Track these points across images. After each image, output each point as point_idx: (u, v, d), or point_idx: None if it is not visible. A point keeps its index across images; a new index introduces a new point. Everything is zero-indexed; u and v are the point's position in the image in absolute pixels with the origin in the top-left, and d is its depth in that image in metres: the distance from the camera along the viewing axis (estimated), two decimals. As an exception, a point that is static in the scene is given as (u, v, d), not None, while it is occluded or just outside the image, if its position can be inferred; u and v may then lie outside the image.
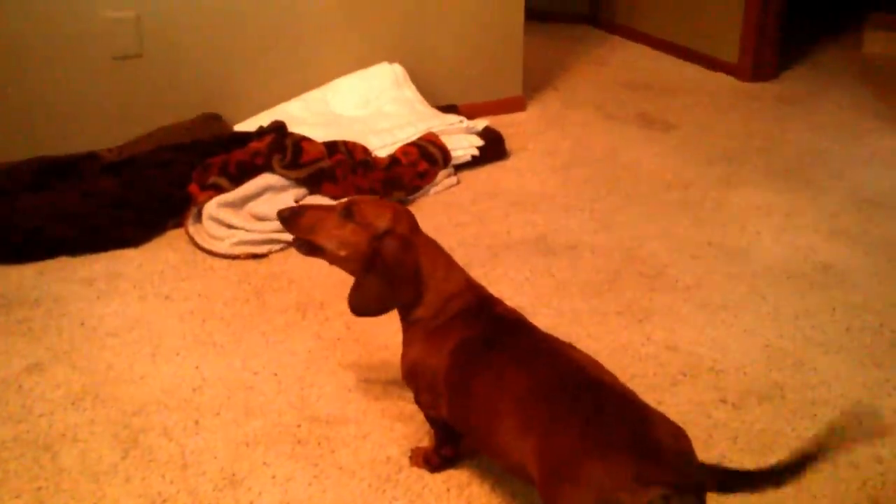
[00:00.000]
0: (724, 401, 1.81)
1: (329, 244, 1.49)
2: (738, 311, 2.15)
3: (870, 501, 1.54)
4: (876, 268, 2.34)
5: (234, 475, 1.63)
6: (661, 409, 1.76)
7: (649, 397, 1.80)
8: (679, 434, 1.21)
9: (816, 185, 2.86)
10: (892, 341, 2.01)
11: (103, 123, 2.96)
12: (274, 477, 1.62)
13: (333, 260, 1.52)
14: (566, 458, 1.18)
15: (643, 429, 1.18)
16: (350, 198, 1.56)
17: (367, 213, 1.47)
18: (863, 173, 2.95)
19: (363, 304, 1.47)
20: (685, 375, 1.90)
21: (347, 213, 1.48)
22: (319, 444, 1.70)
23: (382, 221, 1.47)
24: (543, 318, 2.11)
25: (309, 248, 1.53)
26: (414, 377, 1.52)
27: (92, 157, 2.82)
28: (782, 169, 3.01)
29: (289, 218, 1.52)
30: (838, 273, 2.32)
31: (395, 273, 1.44)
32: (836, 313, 2.13)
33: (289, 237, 2.45)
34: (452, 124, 3.02)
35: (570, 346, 1.40)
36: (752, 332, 2.06)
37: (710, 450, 1.67)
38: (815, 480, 1.59)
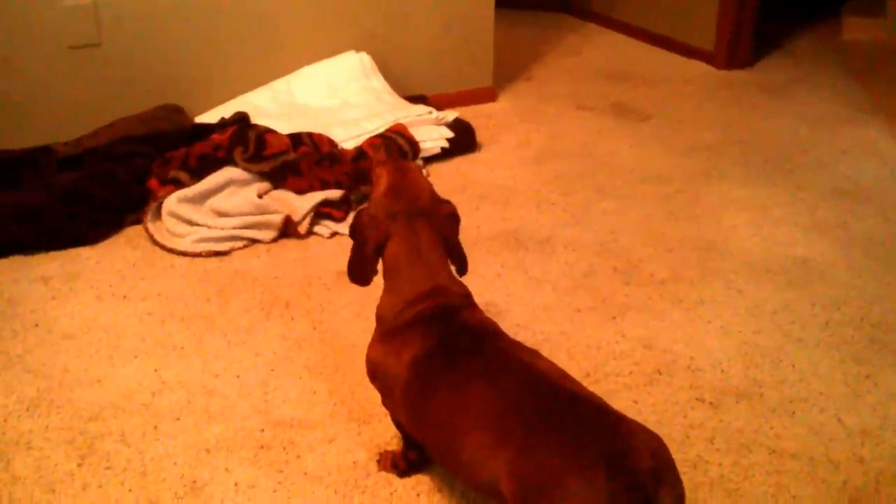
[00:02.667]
0: (700, 399, 1.81)
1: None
2: (715, 307, 2.15)
3: (850, 501, 1.55)
4: (855, 262, 2.36)
5: (195, 482, 1.59)
6: (636, 408, 1.77)
7: (624, 396, 1.81)
8: (658, 447, 1.18)
9: (795, 178, 2.88)
10: (871, 336, 2.03)
11: (59, 115, 2.89)
12: (237, 484, 1.59)
13: None
14: (542, 474, 1.16)
15: (619, 443, 1.15)
16: (394, 158, 1.56)
17: (379, 177, 1.50)
18: (842, 165, 2.97)
19: (348, 266, 1.51)
20: (661, 374, 1.90)
21: (376, 174, 1.52)
22: (284, 449, 1.68)
23: (376, 190, 1.48)
24: (515, 315, 2.09)
25: None
26: (374, 379, 1.50)
27: (47, 150, 2.75)
28: (760, 161, 3.02)
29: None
30: (817, 267, 2.33)
31: (357, 243, 1.47)
32: (815, 308, 2.14)
33: (253, 234, 2.45)
34: (421, 115, 3.00)
35: (537, 355, 1.37)
36: (729, 329, 2.06)
37: (686, 451, 1.67)
38: (794, 479, 1.60)
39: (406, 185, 1.47)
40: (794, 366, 1.92)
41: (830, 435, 1.71)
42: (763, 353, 1.97)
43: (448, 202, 1.51)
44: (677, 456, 1.62)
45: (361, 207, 1.53)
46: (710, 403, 1.80)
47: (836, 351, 1.97)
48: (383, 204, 1.46)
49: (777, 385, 1.86)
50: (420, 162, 2.87)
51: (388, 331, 1.45)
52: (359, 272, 1.48)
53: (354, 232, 1.48)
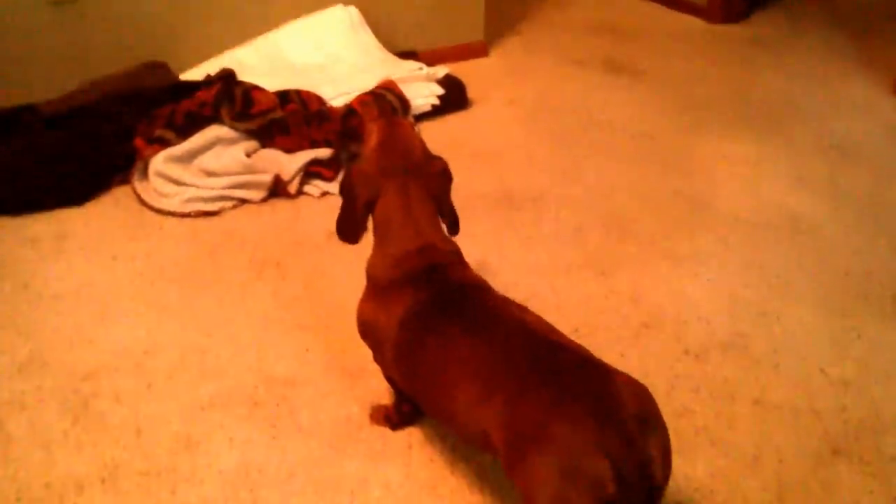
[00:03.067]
0: (687, 352, 1.85)
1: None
2: (704, 261, 2.17)
3: (831, 449, 1.59)
4: (843, 217, 2.38)
5: (189, 439, 1.62)
6: (624, 361, 1.80)
7: (612, 350, 1.84)
8: (644, 396, 1.22)
9: (785, 133, 2.88)
10: (856, 290, 2.06)
11: (42, 74, 2.84)
12: (231, 439, 1.62)
13: None
14: (532, 424, 1.18)
15: (606, 393, 1.18)
16: (386, 114, 1.53)
17: (370, 133, 1.48)
18: (832, 121, 2.97)
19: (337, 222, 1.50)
20: (648, 327, 1.93)
21: (367, 130, 1.50)
22: (278, 405, 1.70)
23: (367, 146, 1.46)
24: (506, 273, 2.11)
25: None
26: (365, 335, 1.51)
27: (31, 109, 2.71)
28: (751, 116, 3.02)
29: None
30: (805, 222, 2.35)
31: (346, 200, 1.45)
32: (802, 263, 2.17)
33: (242, 193, 2.45)
34: (412, 72, 2.96)
35: (524, 309, 1.39)
36: (716, 283, 2.08)
37: (672, 401, 1.71)
38: (779, 430, 1.64)
39: (397, 141, 1.46)
40: (779, 319, 1.95)
41: (813, 385, 1.75)
42: (749, 306, 2.00)
43: (440, 158, 1.50)
44: (663, 406, 1.65)
45: (352, 164, 1.53)
46: (696, 355, 1.83)
47: (821, 304, 2.00)
48: (374, 160, 1.45)
49: (762, 337, 1.89)
50: (411, 119, 2.85)
51: (378, 288, 1.46)
52: (348, 229, 1.47)
53: (344, 188, 1.47)
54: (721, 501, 1.48)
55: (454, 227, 1.54)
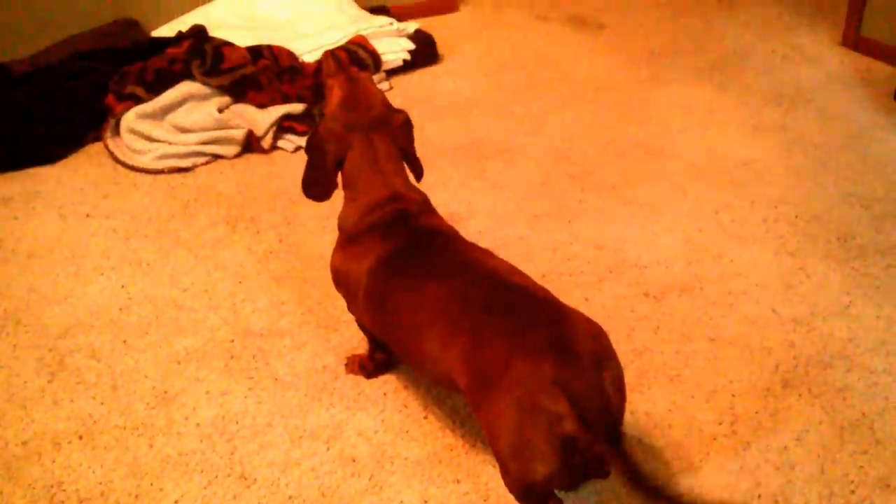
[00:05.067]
0: (646, 294, 1.79)
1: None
2: (662, 208, 2.11)
3: (782, 382, 1.56)
4: (793, 162, 2.32)
5: (166, 392, 1.54)
6: (588, 304, 1.74)
7: (577, 294, 1.78)
8: (598, 333, 1.18)
9: (739, 83, 2.80)
10: (805, 231, 2.01)
11: (11, 32, 2.65)
12: (208, 392, 1.54)
13: None
14: (492, 363, 1.14)
15: (563, 331, 1.14)
16: (350, 69, 1.42)
17: (331, 89, 1.40)
18: (783, 71, 2.89)
19: (303, 182, 1.42)
20: (611, 272, 1.87)
21: (328, 86, 1.41)
22: (254, 357, 1.62)
23: (330, 103, 1.39)
24: (476, 222, 2.03)
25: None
26: (338, 285, 1.45)
27: (1, 68, 2.53)
28: (707, 67, 2.92)
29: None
30: (757, 168, 2.29)
31: (313, 158, 1.38)
32: (755, 207, 2.11)
33: (215, 149, 2.31)
34: (382, 27, 2.81)
35: (489, 254, 1.34)
36: (674, 228, 2.02)
37: (633, 341, 1.66)
38: (731, 364, 1.60)
39: (359, 95, 1.39)
40: (733, 261, 1.90)
41: (765, 323, 1.71)
42: (704, 249, 1.94)
43: (402, 111, 1.43)
44: (625, 346, 1.61)
45: (318, 123, 1.42)
46: (655, 298, 1.78)
47: (772, 246, 1.96)
48: (339, 116, 1.38)
49: (717, 279, 1.84)
50: (382, 74, 2.72)
51: (349, 238, 1.40)
52: (317, 188, 1.41)
53: (313, 148, 1.39)
54: (679, 434, 1.45)
55: (419, 174, 1.49)
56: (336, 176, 1.40)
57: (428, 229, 1.37)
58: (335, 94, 1.39)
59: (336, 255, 1.43)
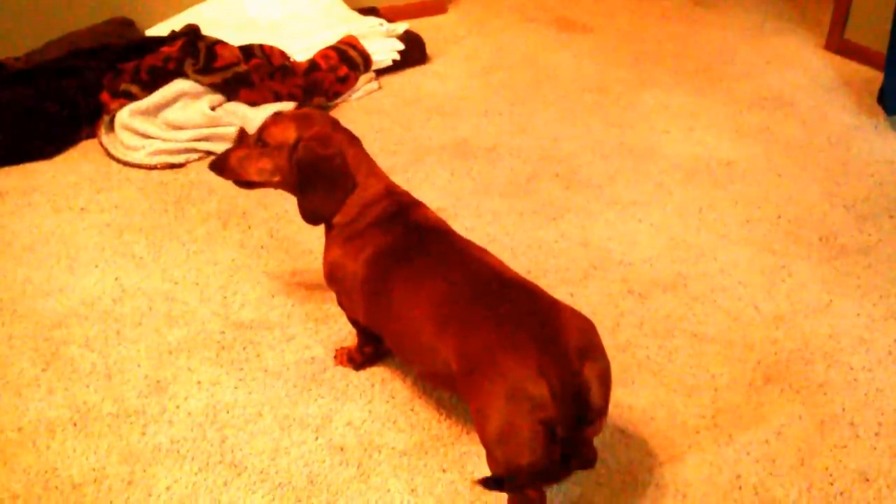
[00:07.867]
0: (631, 291, 1.81)
1: (259, 177, 1.43)
2: (646, 207, 2.13)
3: (763, 378, 1.58)
4: (775, 164, 2.35)
5: (158, 382, 1.55)
6: (573, 300, 1.76)
7: (562, 290, 1.80)
8: (586, 328, 1.20)
9: (723, 86, 2.83)
10: (787, 231, 2.04)
11: (7, 29, 2.64)
12: (199, 382, 1.55)
13: (274, 187, 1.46)
14: (481, 353, 1.17)
15: (550, 323, 1.16)
16: (263, 122, 1.45)
17: (275, 134, 1.40)
18: (767, 74, 2.93)
19: (311, 213, 1.41)
20: (595, 269, 1.89)
21: (261, 142, 1.41)
22: (244, 348, 1.63)
23: (290, 134, 1.39)
24: (464, 219, 2.05)
25: (247, 185, 1.48)
26: (333, 281, 1.46)
27: (-4, 65, 2.53)
28: (692, 70, 2.96)
29: (217, 166, 1.46)
30: (741, 169, 2.32)
31: (322, 171, 1.38)
32: (738, 207, 2.14)
33: (208, 146, 2.32)
34: (372, 27, 2.83)
35: (483, 251, 1.36)
36: (658, 227, 2.05)
37: (617, 336, 1.68)
38: (714, 360, 1.62)
39: (315, 116, 1.43)
40: (716, 259, 1.93)
41: (747, 320, 1.73)
42: (688, 247, 1.97)
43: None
44: (609, 341, 1.63)
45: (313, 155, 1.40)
46: (640, 294, 1.80)
47: (754, 245, 1.98)
48: (331, 138, 1.39)
49: (700, 277, 1.87)
50: (372, 73, 2.73)
51: (348, 234, 1.41)
52: (332, 206, 1.40)
53: (323, 175, 1.38)
54: (662, 427, 1.47)
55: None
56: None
57: (424, 224, 1.40)
58: (302, 131, 1.38)
59: (333, 252, 1.43)
